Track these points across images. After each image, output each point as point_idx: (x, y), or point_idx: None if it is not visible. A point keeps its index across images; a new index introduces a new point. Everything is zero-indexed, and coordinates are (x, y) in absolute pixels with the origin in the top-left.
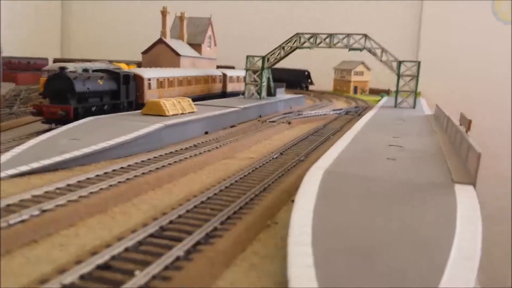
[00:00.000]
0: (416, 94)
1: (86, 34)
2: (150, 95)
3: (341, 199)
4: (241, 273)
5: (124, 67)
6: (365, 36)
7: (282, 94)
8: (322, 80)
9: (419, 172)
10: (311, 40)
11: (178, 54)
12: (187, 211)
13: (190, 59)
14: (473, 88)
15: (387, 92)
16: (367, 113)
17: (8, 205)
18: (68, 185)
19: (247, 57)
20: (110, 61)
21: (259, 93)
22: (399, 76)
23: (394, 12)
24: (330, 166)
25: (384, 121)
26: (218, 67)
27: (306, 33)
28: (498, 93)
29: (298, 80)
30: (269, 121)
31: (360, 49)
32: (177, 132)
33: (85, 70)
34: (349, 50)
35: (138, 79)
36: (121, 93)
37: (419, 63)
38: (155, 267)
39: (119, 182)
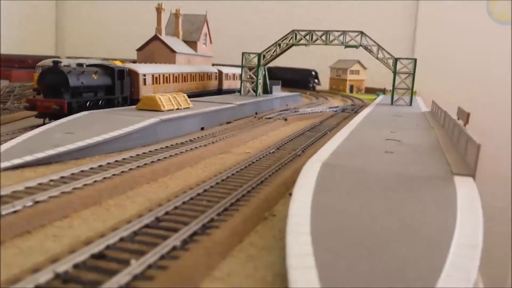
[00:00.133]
0: (412, 91)
1: (81, 33)
2: (145, 91)
3: (340, 189)
4: (238, 264)
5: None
6: (361, 33)
7: (278, 92)
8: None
9: (418, 165)
10: (307, 37)
11: (173, 51)
12: (183, 203)
13: (186, 56)
14: (470, 87)
15: (383, 91)
16: (364, 110)
17: (0, 196)
18: (62, 177)
19: (243, 54)
20: (104, 59)
21: (255, 90)
22: (395, 73)
23: (390, 12)
24: (327, 159)
25: (381, 117)
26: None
27: (302, 30)
28: (496, 93)
29: (304, 80)
30: (265, 118)
31: (356, 46)
32: (172, 127)
33: (79, 65)
34: (345, 47)
35: (133, 74)
36: (115, 88)
37: (415, 60)
38: (151, 256)
39: (113, 175)
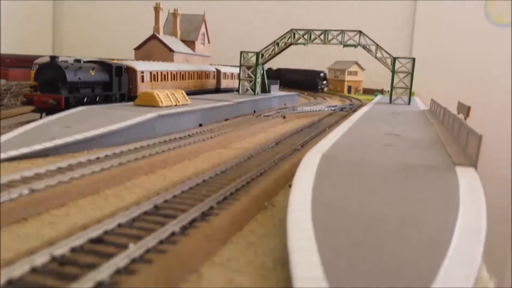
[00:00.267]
0: (411, 90)
1: (79, 33)
2: (143, 88)
3: (340, 178)
4: (238, 250)
5: None
6: (360, 32)
7: (276, 91)
8: None
9: (418, 157)
10: (306, 36)
11: (171, 50)
12: (182, 192)
13: (184, 56)
14: (468, 88)
15: (381, 92)
16: (362, 108)
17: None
18: (59, 167)
19: (241, 52)
20: (101, 59)
21: (253, 89)
22: (393, 72)
23: (388, 12)
24: (327, 151)
25: (380, 115)
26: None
27: (301, 29)
28: (494, 94)
29: (313, 82)
30: (264, 116)
31: (355, 46)
32: (170, 123)
33: (77, 61)
34: (343, 47)
35: (131, 71)
36: (113, 85)
37: (413, 59)
38: (150, 241)
39: (111, 166)
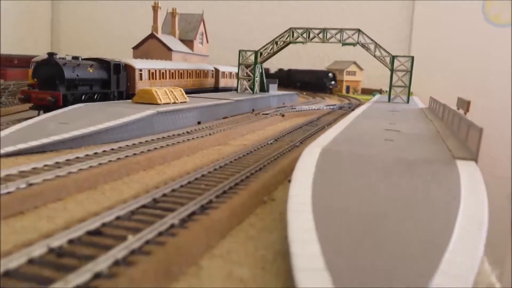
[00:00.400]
0: (410, 88)
1: (76, 33)
2: (141, 86)
3: (341, 171)
4: (237, 243)
5: None
6: (358, 31)
7: (275, 90)
8: None
9: (419, 151)
10: (304, 35)
11: (169, 49)
12: (181, 186)
13: (182, 55)
14: (467, 88)
15: (380, 92)
16: (361, 106)
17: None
18: (57, 162)
19: (240, 51)
20: None
21: (252, 88)
22: (392, 71)
23: (386, 12)
24: (327, 145)
25: (379, 112)
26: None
27: (299, 28)
28: (493, 94)
29: (321, 82)
30: (263, 114)
31: (354, 44)
32: (169, 120)
33: (75, 58)
34: (342, 45)
35: (129, 69)
36: (111, 82)
37: (412, 58)
38: (149, 233)
39: (109, 161)
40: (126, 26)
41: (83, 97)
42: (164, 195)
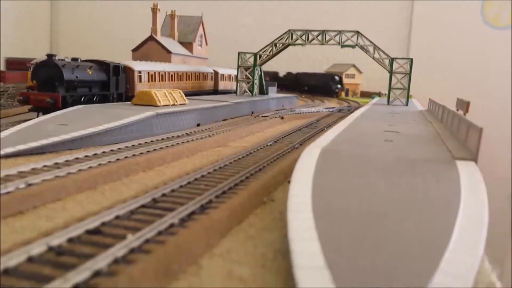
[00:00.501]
0: (409, 90)
1: (76, 35)
2: (140, 88)
3: (340, 170)
4: (237, 242)
5: None
6: (357, 33)
7: (274, 93)
8: None
9: (418, 151)
10: (303, 37)
11: (169, 52)
12: (181, 186)
13: (181, 57)
14: (466, 90)
15: (379, 94)
16: (360, 109)
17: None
18: (56, 163)
19: (239, 53)
20: None
21: (251, 90)
22: (391, 73)
23: (385, 14)
24: (327, 145)
25: (378, 114)
26: None
27: (298, 30)
28: (494, 95)
29: (327, 86)
30: (262, 116)
31: (353, 46)
32: (168, 122)
33: (74, 59)
34: (341, 47)
35: (129, 71)
36: (110, 84)
37: (411, 60)
38: (148, 232)
39: (109, 162)
40: (126, 27)
41: (82, 99)
42: (164, 195)
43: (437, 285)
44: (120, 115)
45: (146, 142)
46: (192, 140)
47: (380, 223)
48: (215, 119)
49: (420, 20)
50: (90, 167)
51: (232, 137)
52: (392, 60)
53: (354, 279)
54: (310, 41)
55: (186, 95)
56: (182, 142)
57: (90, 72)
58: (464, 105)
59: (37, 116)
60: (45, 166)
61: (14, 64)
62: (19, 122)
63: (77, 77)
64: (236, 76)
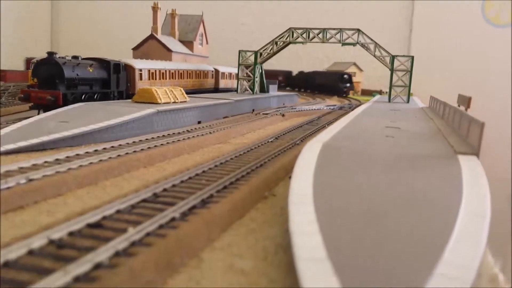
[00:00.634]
0: (410, 88)
1: (76, 33)
2: (141, 86)
3: (342, 164)
4: (239, 236)
5: None
6: (358, 31)
7: (275, 91)
8: None
9: (420, 147)
10: (304, 35)
11: (169, 50)
12: (182, 182)
13: (182, 56)
14: (467, 88)
15: (380, 92)
16: (361, 106)
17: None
18: (57, 159)
19: (240, 51)
20: None
21: (252, 88)
22: (392, 71)
23: (386, 13)
24: (328, 141)
25: (379, 111)
26: None
27: (299, 28)
28: (494, 94)
29: (335, 85)
30: (263, 114)
31: (353, 44)
32: (169, 119)
33: (75, 57)
34: (342, 45)
35: (129, 69)
36: (111, 82)
37: (412, 57)
38: (149, 225)
39: (109, 158)
40: (126, 27)
41: (83, 96)
42: (165, 189)
43: (440, 275)
44: (121, 112)
45: (147, 139)
46: (193, 137)
47: (382, 215)
48: (216, 117)
49: (421, 20)
50: (91, 163)
51: (233, 134)
52: (393, 57)
53: (356, 269)
54: (311, 39)
55: (187, 93)
56: (183, 139)
57: (90, 70)
58: (465, 100)
59: (38, 114)
60: (45, 162)
61: None
62: (20, 120)
63: (77, 75)
64: (237, 75)
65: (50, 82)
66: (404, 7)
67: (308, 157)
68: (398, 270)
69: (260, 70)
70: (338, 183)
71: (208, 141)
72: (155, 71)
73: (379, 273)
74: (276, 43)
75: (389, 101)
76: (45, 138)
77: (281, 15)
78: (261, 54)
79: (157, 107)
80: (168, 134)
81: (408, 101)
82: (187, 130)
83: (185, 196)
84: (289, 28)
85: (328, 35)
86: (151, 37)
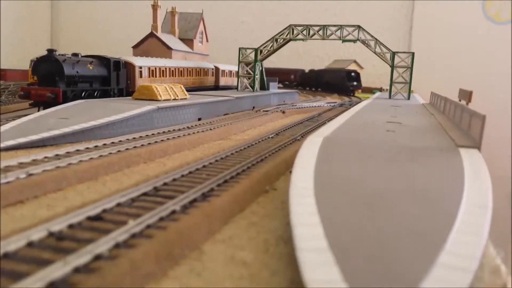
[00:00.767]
0: (410, 84)
1: (76, 33)
2: (141, 84)
3: (343, 157)
4: (240, 229)
5: None
6: (358, 27)
7: (275, 88)
8: None
9: (421, 140)
10: (304, 32)
11: (169, 48)
12: (182, 176)
13: (182, 54)
14: (468, 88)
15: (380, 90)
16: (362, 102)
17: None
18: (57, 155)
19: (240, 49)
20: None
21: (252, 86)
22: (392, 67)
23: (386, 11)
24: (329, 134)
25: (380, 107)
26: None
27: (299, 25)
28: (493, 92)
29: (341, 83)
30: (263, 111)
31: (354, 41)
32: (169, 116)
33: (75, 55)
34: (342, 42)
35: (129, 66)
36: (111, 79)
37: (413, 53)
38: (150, 218)
39: (110, 153)
40: (126, 27)
41: (83, 94)
42: (165, 183)
43: (443, 265)
44: (121, 109)
45: (147, 135)
46: (194, 133)
47: (383, 206)
48: (216, 114)
49: (421, 18)
50: (91, 158)
51: (234, 131)
52: (393, 54)
53: (357, 259)
54: (311, 36)
55: (187, 91)
56: (184, 135)
57: (90, 67)
58: (466, 95)
59: (38, 111)
60: (45, 157)
61: None
62: (20, 117)
63: (77, 72)
64: (237, 72)
65: (50, 80)
66: (404, 6)
67: (309, 150)
68: (399, 260)
69: (260, 68)
70: (339, 175)
71: (209, 137)
72: (155, 68)
73: (381, 263)
74: (276, 40)
75: (390, 97)
76: (45, 135)
77: (281, 14)
78: (261, 51)
79: (157, 104)
80: (169, 130)
81: (408, 98)
82: (188, 127)
83: (185, 189)
84: (289, 25)
85: (329, 32)
86: (151, 35)
